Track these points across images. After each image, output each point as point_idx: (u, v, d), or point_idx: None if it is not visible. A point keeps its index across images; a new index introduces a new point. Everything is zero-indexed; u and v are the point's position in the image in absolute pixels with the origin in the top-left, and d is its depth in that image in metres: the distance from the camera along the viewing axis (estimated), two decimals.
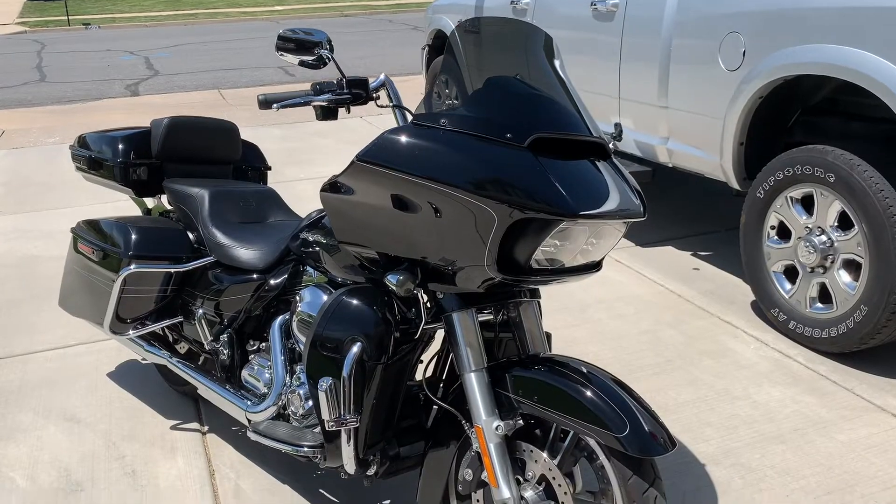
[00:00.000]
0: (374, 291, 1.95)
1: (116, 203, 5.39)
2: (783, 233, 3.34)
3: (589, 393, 1.74)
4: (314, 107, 1.99)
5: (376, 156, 1.75)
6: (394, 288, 1.83)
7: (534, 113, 1.72)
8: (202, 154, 2.88)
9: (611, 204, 1.72)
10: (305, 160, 6.39)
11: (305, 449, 2.07)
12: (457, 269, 1.77)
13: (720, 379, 3.05)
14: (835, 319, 3.10)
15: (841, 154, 2.99)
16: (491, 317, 2.03)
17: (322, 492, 2.46)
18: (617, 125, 1.96)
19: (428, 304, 1.93)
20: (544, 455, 1.82)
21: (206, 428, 2.82)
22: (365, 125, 7.77)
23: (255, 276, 2.46)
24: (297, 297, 2.23)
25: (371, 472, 2.05)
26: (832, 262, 3.12)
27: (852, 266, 3.08)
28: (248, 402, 2.36)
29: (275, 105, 1.93)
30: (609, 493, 1.84)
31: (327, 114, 1.99)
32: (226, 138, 2.93)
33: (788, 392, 2.94)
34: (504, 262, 1.71)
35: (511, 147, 1.67)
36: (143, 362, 3.25)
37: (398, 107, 2.00)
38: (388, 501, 2.42)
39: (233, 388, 2.48)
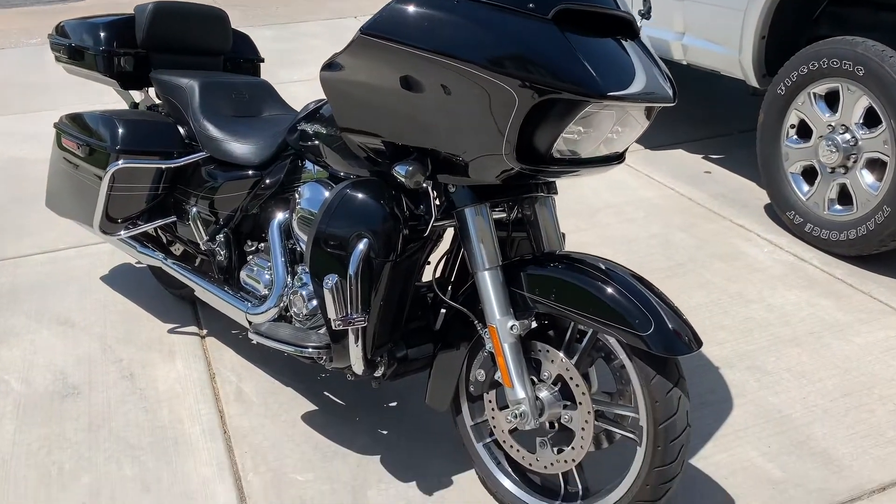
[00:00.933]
0: (380, 185, 1.82)
1: (104, 105, 5.16)
2: (803, 132, 3.20)
3: (610, 290, 1.64)
4: None
5: (383, 28, 1.58)
6: (402, 180, 1.69)
7: None
8: (191, 43, 2.69)
9: (639, 86, 1.57)
10: (299, 61, 6.13)
11: (310, 350, 1.98)
12: (471, 158, 1.63)
13: (733, 282, 2.96)
14: (854, 221, 2.99)
15: (872, 45, 2.81)
16: (504, 214, 1.91)
17: (327, 394, 2.39)
18: (646, 1, 1.78)
19: (437, 201, 1.80)
20: (560, 354, 1.73)
21: (204, 331, 2.73)
22: (358, 24, 7.43)
23: (250, 172, 2.32)
24: (297, 194, 2.10)
25: (379, 373, 1.97)
26: (855, 162, 2.98)
27: (876, 166, 2.95)
28: (249, 304, 2.26)
29: None
30: (627, 393, 1.77)
31: None
32: (216, 26, 2.73)
33: (804, 295, 2.86)
34: (523, 151, 1.58)
35: (533, 19, 1.50)
36: (138, 265, 3.15)
37: None
38: (395, 403, 2.36)
39: (232, 290, 2.37)
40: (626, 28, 1.63)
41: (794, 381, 2.40)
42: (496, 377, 1.80)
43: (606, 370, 1.78)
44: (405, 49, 1.55)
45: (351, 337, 1.83)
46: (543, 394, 1.77)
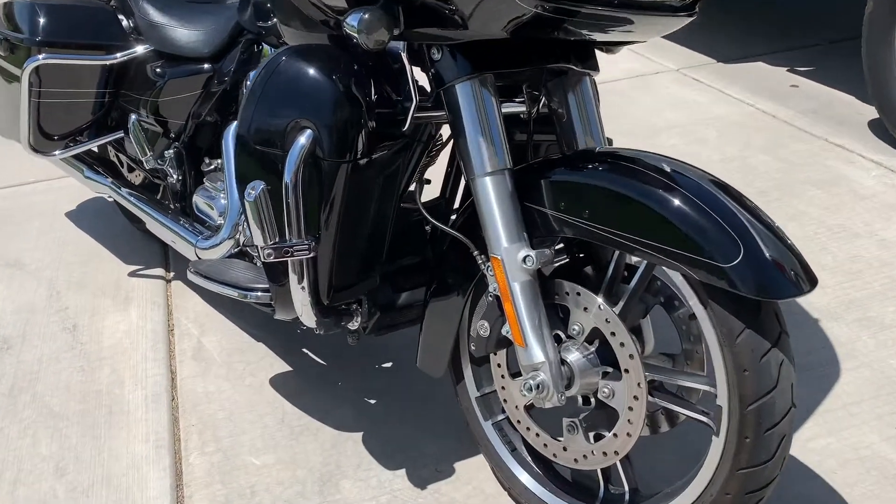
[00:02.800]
0: (331, 52, 1.26)
1: None
2: None
3: (677, 202, 1.07)
4: None
5: None
6: (354, 34, 1.13)
7: None
8: None
9: None
10: None
11: (259, 294, 1.47)
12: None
13: (833, 213, 2.32)
14: None
15: None
16: (521, 108, 1.34)
17: (306, 351, 1.89)
18: None
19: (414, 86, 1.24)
20: (599, 300, 1.17)
21: (171, 275, 2.25)
22: None
23: (200, 66, 1.79)
24: (245, 85, 1.57)
25: (354, 325, 1.45)
26: None
27: None
28: (200, 237, 1.76)
29: None
30: (698, 356, 1.21)
31: None
32: None
33: None
34: None
35: None
36: (110, 199, 2.68)
37: None
38: (390, 364, 1.84)
39: (186, 221, 1.87)
40: None
41: None
42: (504, 332, 1.25)
43: (665, 323, 1.22)
44: None
45: (292, 275, 1.30)
46: (573, 356, 1.22)
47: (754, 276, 1.00)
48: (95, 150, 2.17)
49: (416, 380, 1.77)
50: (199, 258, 1.73)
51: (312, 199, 1.24)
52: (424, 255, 1.56)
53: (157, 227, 1.92)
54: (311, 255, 1.25)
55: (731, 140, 2.86)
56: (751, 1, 4.34)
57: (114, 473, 1.57)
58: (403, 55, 1.21)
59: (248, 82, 1.55)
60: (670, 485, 1.23)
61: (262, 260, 1.25)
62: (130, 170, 2.26)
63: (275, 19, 1.52)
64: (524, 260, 1.17)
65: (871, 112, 2.86)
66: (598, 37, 1.20)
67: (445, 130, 1.46)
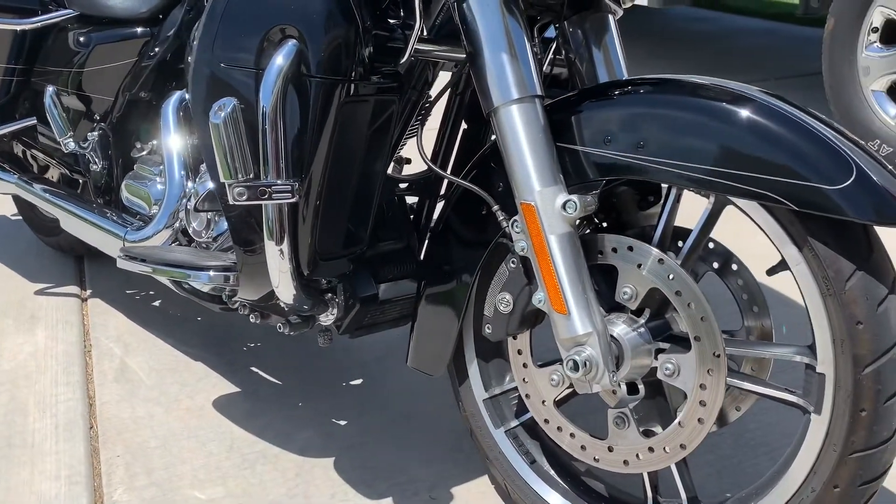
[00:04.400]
0: None
1: None
2: (890, 36, 2.47)
3: (758, 121, 0.87)
4: None
5: None
6: None
7: None
8: None
9: None
10: None
11: (211, 273, 1.18)
12: None
13: None
14: None
15: None
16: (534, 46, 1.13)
17: (255, 370, 1.58)
18: None
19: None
20: (658, 253, 0.95)
21: (87, 293, 1.91)
22: None
23: (135, 29, 1.53)
24: (191, 44, 1.31)
25: (329, 318, 1.17)
26: None
27: None
28: (128, 228, 1.46)
29: None
30: (760, 329, 1.00)
31: None
32: None
33: None
34: None
35: None
36: (13, 217, 2.32)
37: None
38: (360, 381, 1.55)
39: (114, 214, 1.56)
40: None
41: None
42: (535, 302, 1.00)
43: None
44: None
45: (267, 233, 1.01)
46: (620, 329, 0.98)
47: (869, 199, 0.81)
48: None
49: (392, 396, 1.49)
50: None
51: (295, 127, 0.98)
52: (408, 242, 1.31)
53: (77, 223, 1.60)
54: (294, 198, 0.98)
55: None
56: (704, 40, 4.38)
57: None
58: None
59: (196, 33, 1.29)
60: (740, 488, 0.99)
61: (232, 200, 0.96)
62: (41, 164, 1.93)
63: None
64: (564, 206, 0.94)
65: None
66: None
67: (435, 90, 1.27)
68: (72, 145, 1.62)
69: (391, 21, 1.05)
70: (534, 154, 0.96)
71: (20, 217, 2.26)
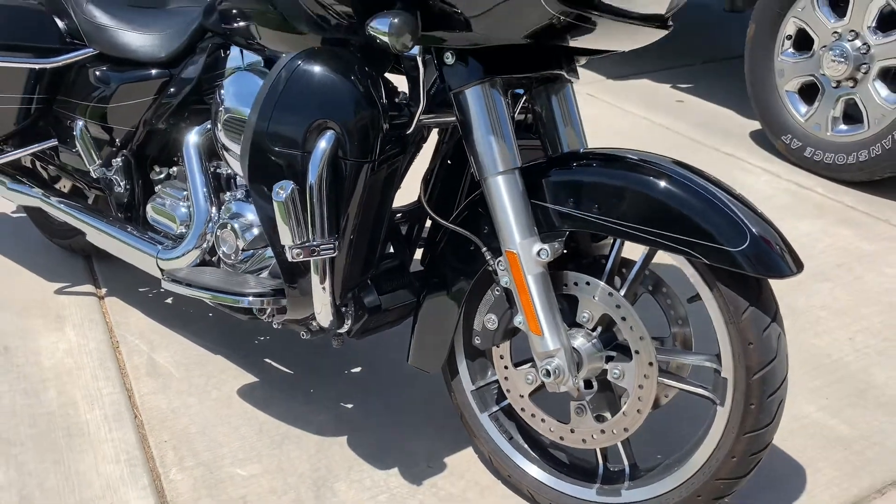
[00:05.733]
0: (346, 54, 1.29)
1: None
2: (802, 43, 2.81)
3: (681, 194, 1.18)
4: None
5: None
6: (384, 38, 1.17)
7: None
8: None
9: None
10: None
11: (250, 298, 1.45)
12: (487, 10, 1.13)
13: None
14: (864, 142, 2.63)
15: None
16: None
17: (268, 361, 1.87)
18: None
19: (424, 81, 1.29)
20: (609, 287, 1.27)
21: (103, 291, 2.14)
22: None
23: (155, 71, 1.75)
24: (220, 92, 1.55)
25: (344, 327, 1.46)
26: (865, 73, 2.62)
27: (889, 76, 2.60)
28: (160, 247, 1.70)
29: None
30: (681, 337, 1.33)
31: None
32: None
33: (818, 225, 2.50)
34: None
35: None
36: (15, 216, 2.51)
37: None
38: (359, 369, 1.85)
39: (137, 231, 1.80)
40: None
41: (834, 320, 2.02)
42: (515, 323, 1.32)
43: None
44: None
45: (314, 274, 1.31)
46: (580, 341, 1.30)
47: (760, 259, 1.13)
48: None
49: (387, 382, 1.79)
50: (162, 269, 1.67)
51: (333, 198, 1.25)
52: (403, 258, 1.60)
53: (107, 239, 1.83)
54: (335, 253, 1.27)
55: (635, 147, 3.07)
56: None
57: (88, 497, 1.49)
58: (419, 59, 1.25)
59: (227, 91, 1.53)
60: (667, 456, 1.34)
61: (291, 259, 1.24)
62: (54, 180, 2.14)
63: (246, 19, 1.51)
64: (538, 253, 1.25)
65: (752, 125, 3.17)
66: (591, 45, 1.30)
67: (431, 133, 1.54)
68: (99, 171, 1.84)
69: (398, 102, 1.32)
70: (515, 214, 1.25)
71: (21, 214, 2.46)
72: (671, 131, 3.25)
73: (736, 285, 1.17)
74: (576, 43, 1.25)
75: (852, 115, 2.71)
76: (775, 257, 1.14)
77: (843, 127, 2.73)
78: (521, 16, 1.13)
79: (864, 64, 2.61)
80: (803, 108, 2.85)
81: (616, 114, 3.43)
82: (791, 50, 2.84)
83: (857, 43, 2.62)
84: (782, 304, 1.52)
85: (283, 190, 1.23)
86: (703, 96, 3.63)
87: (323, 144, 1.23)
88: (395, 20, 1.15)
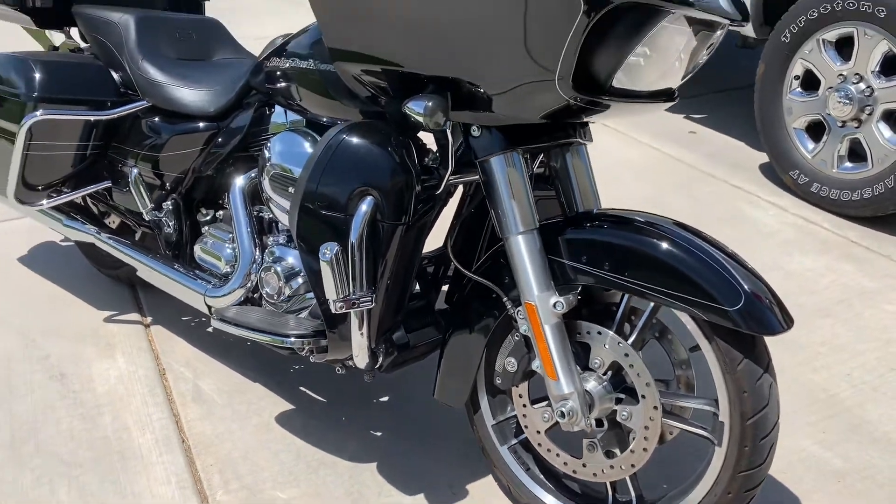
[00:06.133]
0: (384, 128, 1.44)
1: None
2: (810, 83, 2.94)
3: (682, 255, 1.32)
4: None
5: None
6: (419, 118, 1.32)
7: None
8: None
9: None
10: (231, 21, 5.60)
11: (292, 339, 1.60)
12: (508, 88, 1.28)
13: (745, 248, 2.64)
14: (868, 179, 2.75)
15: None
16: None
17: (303, 390, 2.01)
18: None
19: (455, 148, 1.44)
20: (618, 338, 1.40)
21: (148, 319, 2.30)
22: None
23: (203, 124, 1.91)
24: (267, 148, 1.70)
25: (377, 364, 1.61)
26: (870, 114, 2.74)
27: (893, 118, 2.72)
28: (208, 285, 1.86)
29: None
30: (688, 380, 1.46)
31: None
32: None
33: (822, 261, 2.62)
34: (577, 77, 1.23)
35: None
36: (63, 243, 2.68)
37: None
38: (386, 398, 1.99)
39: (184, 269, 1.96)
40: None
41: (833, 356, 2.14)
42: (533, 367, 1.46)
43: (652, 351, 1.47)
44: None
45: (354, 322, 1.46)
46: (591, 385, 1.44)
47: (754, 317, 1.26)
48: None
49: (413, 413, 1.94)
50: (210, 306, 1.83)
51: (373, 256, 1.41)
52: (429, 297, 1.74)
53: (154, 274, 1.99)
54: (373, 305, 1.42)
55: (646, 181, 3.21)
56: None
57: None
58: (448, 131, 1.40)
59: (274, 149, 1.68)
60: (673, 487, 1.47)
61: (335, 311, 1.40)
62: (103, 215, 2.31)
63: (290, 82, 1.67)
64: (554, 305, 1.39)
65: (761, 157, 3.29)
66: (602, 120, 1.45)
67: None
68: (151, 214, 2.00)
69: (429, 165, 1.47)
70: (533, 269, 1.39)
71: (69, 243, 2.63)
72: (683, 163, 3.38)
73: (732, 339, 1.30)
74: (588, 118, 1.40)
75: (858, 153, 2.83)
76: (768, 316, 1.28)
77: (848, 164, 2.85)
78: (538, 99, 1.28)
79: (868, 106, 2.73)
80: (810, 144, 2.97)
81: (629, 144, 3.56)
82: (799, 89, 2.97)
83: (862, 86, 2.74)
84: (785, 337, 1.68)
85: (328, 251, 1.38)
86: (714, 127, 3.76)
87: (364, 208, 1.38)
88: (430, 103, 1.30)
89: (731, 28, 1.36)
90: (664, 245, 1.34)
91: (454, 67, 1.30)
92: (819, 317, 2.32)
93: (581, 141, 1.51)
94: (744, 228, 2.82)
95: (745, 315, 1.26)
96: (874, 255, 2.64)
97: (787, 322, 1.30)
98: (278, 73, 1.70)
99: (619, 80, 1.28)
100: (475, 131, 1.40)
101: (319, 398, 1.99)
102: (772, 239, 2.76)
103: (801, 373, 2.08)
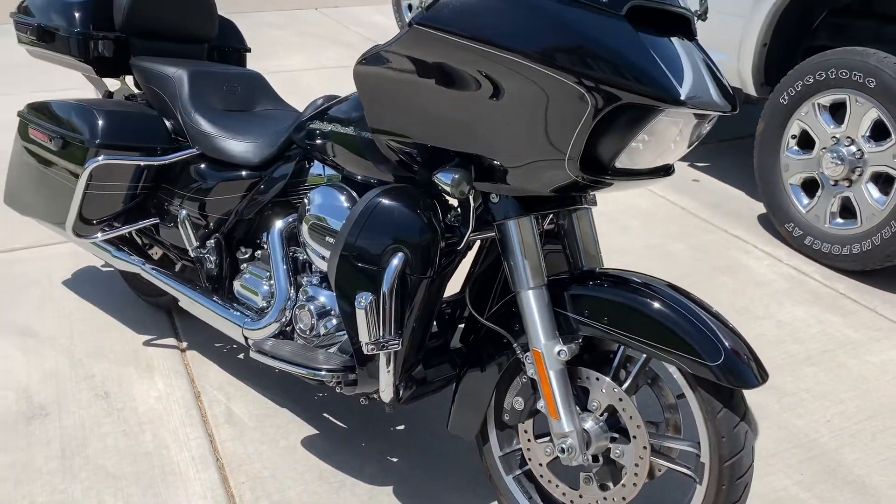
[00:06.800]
0: (415, 193, 1.64)
1: (61, 92, 4.80)
2: (805, 143, 3.13)
3: (671, 314, 1.50)
4: None
5: (439, 19, 1.40)
6: (446, 189, 1.52)
7: None
8: (174, 28, 2.45)
9: (705, 92, 1.44)
10: (264, 53, 5.85)
11: (324, 373, 1.79)
12: (523, 165, 1.47)
13: (739, 297, 2.87)
14: (858, 236, 2.94)
15: (885, 57, 2.75)
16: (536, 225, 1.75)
17: (326, 416, 2.20)
18: (703, 1, 1.65)
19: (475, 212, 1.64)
20: (613, 383, 1.59)
21: (184, 344, 2.50)
22: (321, 17, 7.20)
23: (246, 172, 2.11)
24: (307, 200, 1.90)
25: (399, 398, 1.79)
26: (860, 175, 2.93)
27: (881, 180, 2.90)
28: (245, 318, 2.05)
29: None
30: (675, 423, 1.64)
31: None
32: (201, 11, 2.50)
33: (811, 311, 2.79)
34: (584, 159, 1.43)
35: (605, 14, 1.35)
36: (104, 269, 2.89)
37: None
38: (402, 427, 2.18)
39: (222, 302, 2.16)
40: (685, 27, 1.51)
41: (815, 403, 2.32)
42: (538, 406, 1.64)
43: (645, 396, 1.64)
44: (464, 43, 1.38)
45: (382, 361, 1.65)
46: (589, 425, 1.62)
47: (733, 372, 1.44)
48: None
49: (428, 441, 2.12)
50: (247, 338, 2.02)
51: (402, 304, 1.60)
52: (446, 337, 1.93)
53: (195, 305, 2.18)
54: (400, 347, 1.61)
55: (652, 229, 3.40)
56: None
57: None
58: (470, 197, 1.60)
59: (312, 201, 1.87)
60: None
61: (367, 352, 1.59)
62: (147, 247, 2.51)
63: (330, 142, 1.88)
64: (559, 353, 1.57)
65: (760, 207, 3.49)
66: (605, 192, 1.64)
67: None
68: (196, 251, 2.21)
69: (452, 224, 1.67)
70: (541, 320, 1.58)
71: (109, 269, 2.84)
72: (686, 211, 3.57)
73: (713, 390, 1.49)
74: (592, 192, 1.60)
75: (849, 210, 3.02)
76: (745, 371, 1.46)
77: (839, 221, 3.04)
78: (549, 175, 1.47)
79: (859, 167, 2.93)
80: (805, 200, 3.16)
81: (637, 192, 3.76)
82: (795, 148, 3.16)
83: (853, 148, 2.93)
84: (773, 383, 1.82)
85: (363, 299, 1.58)
86: (717, 176, 3.95)
87: (395, 263, 1.58)
88: (456, 176, 1.50)
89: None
90: (656, 304, 1.52)
91: (479, 147, 1.50)
92: (806, 365, 2.49)
93: (586, 205, 1.71)
94: (739, 277, 3.01)
95: (725, 370, 1.44)
96: (860, 308, 2.82)
97: (763, 377, 1.47)
98: (319, 132, 1.91)
99: (621, 161, 1.48)
100: (494, 198, 1.60)
101: (341, 424, 2.17)
102: (766, 288, 2.94)
103: (786, 418, 2.25)
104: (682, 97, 1.36)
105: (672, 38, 1.45)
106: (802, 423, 2.23)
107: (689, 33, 1.52)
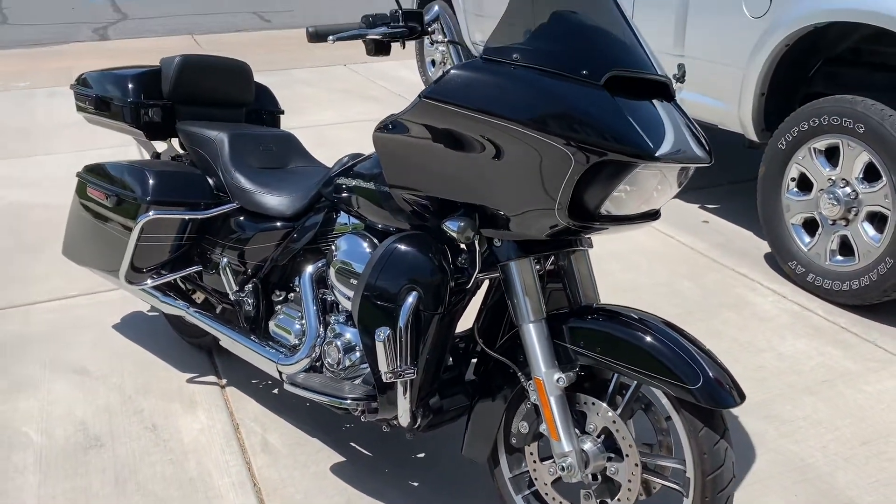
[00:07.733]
0: (427, 239, 1.86)
1: (102, 151, 5.17)
2: (804, 185, 3.31)
3: (656, 343, 1.69)
4: (365, 41, 1.86)
5: (445, 93, 1.64)
6: (454, 235, 1.74)
7: (608, 49, 1.63)
8: (215, 95, 2.73)
9: (682, 147, 1.64)
10: (296, 109, 6.19)
11: (349, 401, 2.00)
12: (520, 214, 1.69)
13: (743, 331, 3.03)
14: (856, 272, 3.08)
15: (872, 104, 2.94)
16: (537, 266, 1.96)
17: (353, 445, 2.39)
18: (680, 66, 1.87)
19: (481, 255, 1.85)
20: (608, 408, 1.77)
21: (224, 381, 2.72)
22: (350, 73, 7.56)
23: (280, 223, 2.35)
24: (334, 246, 2.13)
25: (417, 425, 1.99)
26: (855, 215, 3.09)
27: (876, 219, 3.06)
28: (280, 355, 2.27)
29: (330, 38, 1.79)
30: (667, 443, 1.81)
31: (379, 48, 1.87)
32: (240, 79, 2.78)
33: (812, 344, 2.94)
34: (573, 208, 1.64)
35: (586, 85, 1.58)
36: (150, 314, 3.14)
37: (453, 42, 1.88)
38: (423, 455, 2.36)
39: (259, 340, 2.38)
40: (664, 91, 1.72)
41: (812, 430, 2.46)
42: (541, 429, 1.83)
43: (642, 420, 1.82)
44: (467, 113, 1.61)
45: (399, 389, 1.85)
46: (587, 445, 1.80)
47: (710, 393, 1.62)
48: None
49: (445, 467, 2.30)
50: (281, 372, 2.24)
51: (416, 337, 1.81)
52: (460, 369, 2.13)
53: (234, 344, 2.41)
54: (415, 376, 1.82)
55: (660, 267, 3.57)
56: None
57: None
58: (476, 242, 1.81)
59: (339, 248, 2.10)
60: None
61: (385, 380, 1.80)
62: (190, 292, 2.76)
63: (354, 195, 2.11)
64: (558, 380, 1.76)
65: (766, 246, 3.65)
66: (597, 235, 1.85)
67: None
68: (236, 295, 2.44)
69: (461, 266, 1.88)
70: (541, 351, 1.78)
71: (154, 313, 3.09)
72: (695, 251, 3.74)
73: (695, 411, 1.66)
74: (586, 235, 1.80)
75: (848, 247, 3.17)
76: (723, 393, 1.63)
77: (839, 258, 3.19)
78: (543, 222, 1.67)
79: (854, 207, 3.09)
80: (807, 238, 3.32)
81: (648, 232, 3.94)
82: (795, 189, 3.34)
83: (848, 189, 3.10)
84: (772, 412, 1.95)
85: (382, 333, 1.79)
86: (726, 217, 4.13)
87: (409, 300, 1.80)
88: (462, 224, 1.72)
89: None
90: (644, 335, 1.71)
91: (482, 198, 1.72)
92: (804, 394, 2.63)
93: (582, 247, 1.91)
94: (744, 313, 3.17)
95: (704, 393, 1.62)
96: (860, 341, 2.96)
97: (739, 398, 1.65)
98: (345, 187, 2.14)
99: (607, 208, 1.68)
100: (497, 242, 1.81)
101: (367, 453, 2.36)
102: (769, 323, 3.09)
103: (783, 444, 2.40)
104: (657, 153, 1.56)
105: (653, 101, 1.67)
106: (798, 449, 2.37)
107: (668, 95, 1.73)
